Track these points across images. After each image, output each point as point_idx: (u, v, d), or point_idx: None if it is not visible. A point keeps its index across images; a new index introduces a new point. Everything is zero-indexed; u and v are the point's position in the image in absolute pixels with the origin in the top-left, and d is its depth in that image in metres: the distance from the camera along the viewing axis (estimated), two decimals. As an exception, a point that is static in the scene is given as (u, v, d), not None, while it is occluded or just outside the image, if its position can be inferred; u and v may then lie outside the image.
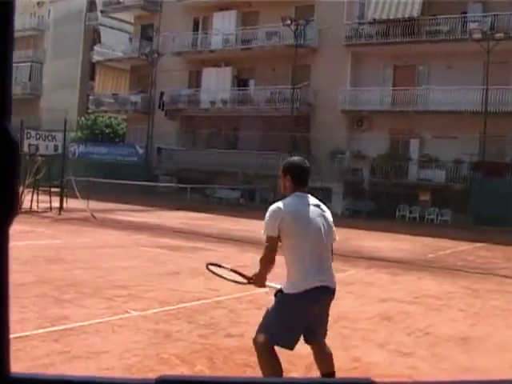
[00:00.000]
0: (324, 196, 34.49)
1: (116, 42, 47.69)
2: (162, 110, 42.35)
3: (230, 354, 6.67)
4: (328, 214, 4.88)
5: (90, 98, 49.19)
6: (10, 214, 0.97)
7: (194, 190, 35.65)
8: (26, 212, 22.14)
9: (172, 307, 8.79)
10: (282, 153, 35.15)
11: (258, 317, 8.51)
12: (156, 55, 42.74)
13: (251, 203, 35.88)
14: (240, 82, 39.95)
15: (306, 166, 4.89)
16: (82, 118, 49.97)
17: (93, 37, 53.06)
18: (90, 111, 49.28)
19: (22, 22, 59.68)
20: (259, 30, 38.07)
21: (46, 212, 22.63)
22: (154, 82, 43.34)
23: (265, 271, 4.86)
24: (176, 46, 41.42)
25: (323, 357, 5.10)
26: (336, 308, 9.38)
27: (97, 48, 49.17)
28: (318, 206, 4.84)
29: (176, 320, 8.07)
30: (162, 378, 1.04)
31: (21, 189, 22.79)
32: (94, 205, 24.39)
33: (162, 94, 42.33)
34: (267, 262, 4.75)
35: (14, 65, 58.68)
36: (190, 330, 7.62)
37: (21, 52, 60.20)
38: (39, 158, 23.59)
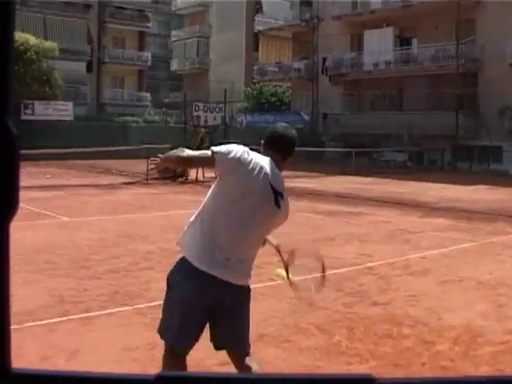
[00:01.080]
0: (494, 155, 32.81)
1: (277, 11, 47.74)
2: (326, 75, 41.87)
3: (371, 324, 6.28)
4: (281, 209, 3.81)
5: (255, 68, 49.79)
6: (11, 209, 0.97)
7: (360, 154, 34.99)
8: (192, 182, 22.78)
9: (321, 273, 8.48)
10: (448, 111, 33.63)
11: (409, 284, 8.09)
12: (316, 20, 42.27)
13: (419, 165, 34.77)
14: (402, 41, 38.58)
15: (289, 135, 3.88)
16: (248, 89, 50.69)
17: (255, 7, 53.44)
18: (254, 81, 49.89)
19: (186, -1, 61.39)
20: (420, -15, 36.39)
21: (210, 181, 23.05)
22: (315, 47, 42.97)
23: (174, 159, 3.79)
24: (336, 9, 40.65)
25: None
26: (496, 273, 8.76)
27: (258, 18, 49.58)
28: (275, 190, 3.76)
29: (323, 287, 7.75)
30: (162, 374, 1.00)
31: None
32: (257, 173, 24.57)
33: (324, 59, 41.82)
34: (184, 159, 3.75)
35: (183, 41, 60.99)
36: (336, 297, 7.29)
37: (188, 28, 62.13)
38: (202, 129, 24.10)
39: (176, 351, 3.77)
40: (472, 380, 1.26)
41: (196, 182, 22.77)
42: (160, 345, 5.49)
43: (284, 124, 4.01)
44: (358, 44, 41.01)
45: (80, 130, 37.79)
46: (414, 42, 37.59)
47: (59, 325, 6.05)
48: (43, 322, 6.08)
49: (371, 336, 5.90)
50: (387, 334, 5.96)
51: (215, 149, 3.65)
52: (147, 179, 22.81)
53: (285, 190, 3.86)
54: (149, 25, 55.83)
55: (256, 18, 49.91)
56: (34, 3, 47.24)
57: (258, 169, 3.67)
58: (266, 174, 3.69)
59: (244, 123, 45.85)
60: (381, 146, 37.36)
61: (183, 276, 3.69)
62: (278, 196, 3.76)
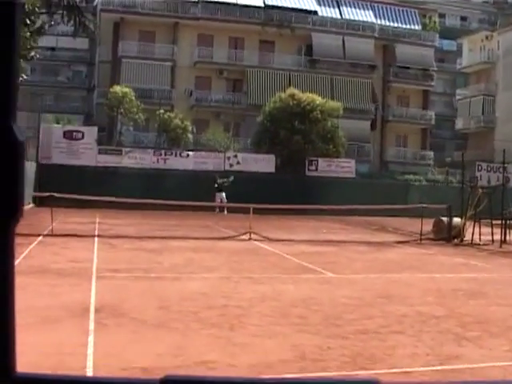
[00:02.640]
0: None
1: None
2: None
3: None
4: None
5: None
6: (15, 214, 0.96)
7: None
8: (467, 244, 21.89)
9: None
10: None
11: None
12: None
13: None
14: None
15: None
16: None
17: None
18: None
19: (472, 57, 60.26)
20: None
21: (486, 245, 21.97)
22: None
23: None
24: None
25: None
26: None
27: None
28: None
29: None
30: (166, 377, 1.00)
31: (462, 220, 22.67)
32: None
33: None
34: None
35: (468, 99, 59.74)
36: None
37: (473, 86, 60.72)
38: (480, 189, 23.13)
39: None
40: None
41: (471, 244, 21.81)
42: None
43: None
44: None
45: (362, 187, 38.49)
46: None
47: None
48: (278, 376, 6.15)
49: None
50: None
51: None
52: (421, 239, 22.37)
53: None
54: (433, 83, 55.49)
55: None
56: (322, 65, 49.64)
57: None
58: None
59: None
60: None
61: None
62: None
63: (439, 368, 6.73)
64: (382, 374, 6.39)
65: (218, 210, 33.38)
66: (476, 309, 10.20)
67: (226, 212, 32.59)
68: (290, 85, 45.57)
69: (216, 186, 34.53)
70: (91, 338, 7.25)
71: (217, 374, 6.07)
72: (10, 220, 0.96)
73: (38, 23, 26.18)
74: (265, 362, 6.56)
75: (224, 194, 34.22)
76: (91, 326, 7.89)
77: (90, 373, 5.97)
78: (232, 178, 34.61)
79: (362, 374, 6.41)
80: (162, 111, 41.60)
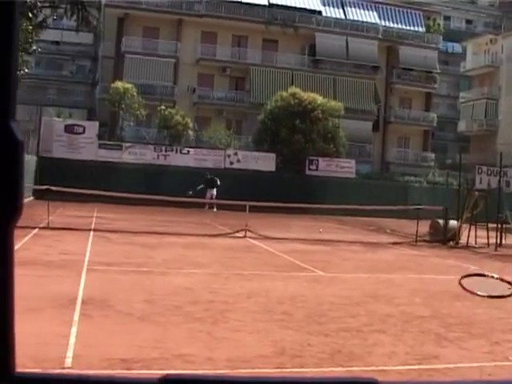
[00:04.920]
0: None
1: None
2: None
3: None
4: None
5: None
6: (14, 213, 0.97)
7: None
8: (462, 247, 21.94)
9: None
10: None
11: None
12: None
13: None
14: None
15: None
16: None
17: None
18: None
19: (476, 60, 60.30)
20: None
21: (481, 248, 22.03)
22: None
23: None
24: None
25: None
26: None
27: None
28: None
29: None
30: (166, 377, 1.02)
31: (458, 223, 22.72)
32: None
33: None
34: None
35: (471, 102, 59.81)
36: None
37: (476, 89, 60.77)
38: (476, 192, 23.19)
39: None
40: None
41: (467, 247, 21.86)
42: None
43: None
44: None
45: (362, 188, 38.52)
46: None
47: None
48: (255, 370, 6.21)
49: None
50: None
51: None
52: (416, 241, 22.43)
53: None
54: (435, 86, 55.45)
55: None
56: (325, 65, 49.69)
57: None
58: None
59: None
60: None
61: None
62: None
63: (416, 367, 6.80)
64: (358, 372, 6.47)
65: (207, 206, 33.30)
66: (461, 310, 10.25)
67: (215, 209, 32.48)
68: (292, 84, 45.61)
69: (205, 183, 34.26)
70: (74, 329, 7.32)
71: (196, 368, 6.15)
72: (9, 219, 0.97)
73: (41, 17, 26.27)
74: (243, 356, 6.63)
75: (215, 191, 34.15)
76: (76, 317, 7.97)
77: (68, 363, 6.05)
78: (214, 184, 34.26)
79: (339, 370, 6.48)
80: (163, 107, 41.67)
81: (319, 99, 39.87)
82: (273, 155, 39.20)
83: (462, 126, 62.06)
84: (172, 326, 7.89)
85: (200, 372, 5.96)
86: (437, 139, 59.72)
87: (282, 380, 1.19)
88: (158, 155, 38.48)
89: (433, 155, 54.78)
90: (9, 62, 0.95)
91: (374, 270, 14.98)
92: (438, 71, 55.95)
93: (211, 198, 33.37)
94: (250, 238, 20.43)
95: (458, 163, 29.05)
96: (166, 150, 38.90)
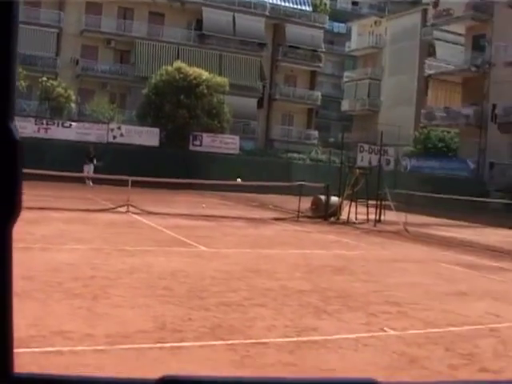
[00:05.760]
0: None
1: (449, 55, 46.78)
2: (495, 123, 40.18)
3: (471, 390, 5.76)
4: None
5: (422, 111, 48.89)
6: (12, 214, 0.98)
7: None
8: (343, 223, 22.56)
9: (437, 330, 7.98)
10: None
11: (533, 351, 7.39)
12: (488, 66, 40.90)
13: None
14: None
15: None
16: (416, 133, 49.83)
17: (428, 51, 52.64)
18: (422, 125, 48.94)
19: (361, 41, 61.85)
20: None
21: (362, 223, 22.75)
22: (486, 94, 41.50)
23: None
24: (508, 55, 39.00)
25: None
26: None
27: (428, 61, 48.82)
28: None
29: (433, 345, 7.27)
30: (164, 377, 1.02)
31: (340, 199, 23.35)
32: (413, 218, 23.79)
33: (494, 106, 40.21)
34: None
35: (354, 82, 61.40)
36: (443, 357, 6.78)
37: (360, 70, 62.43)
38: (357, 170, 23.88)
39: None
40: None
41: (347, 223, 22.51)
42: None
43: None
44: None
45: (245, 164, 38.75)
46: None
47: (149, 351, 6.09)
48: (135, 345, 6.16)
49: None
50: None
51: None
52: (298, 217, 22.87)
53: None
54: (320, 65, 56.50)
55: (427, 61, 49.10)
56: (212, 41, 49.51)
57: None
58: None
59: (408, 167, 45.09)
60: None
61: None
62: None
63: (295, 339, 6.94)
64: (238, 345, 6.53)
65: (89, 181, 32.65)
66: (340, 284, 10.57)
67: (91, 184, 31.88)
68: (178, 58, 45.16)
69: (89, 157, 33.64)
70: None
71: (74, 344, 6.02)
72: (8, 219, 0.97)
73: None
74: (123, 332, 6.54)
75: (92, 167, 33.53)
76: None
77: None
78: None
79: (219, 344, 6.52)
80: (44, 79, 40.26)
81: (205, 75, 39.68)
82: (156, 130, 38.78)
83: (345, 105, 63.61)
84: (53, 303, 7.68)
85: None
86: (321, 118, 60.98)
87: (282, 380, 1.21)
88: (39, 128, 37.16)
89: (316, 133, 55.90)
90: (8, 63, 0.95)
91: (256, 245, 15.18)
92: (324, 50, 57.01)
93: (88, 173, 32.75)
94: (133, 213, 20.20)
95: (340, 141, 29.89)
96: (47, 124, 37.64)
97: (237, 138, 41.82)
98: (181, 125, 38.30)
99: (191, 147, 39.16)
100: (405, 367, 6.30)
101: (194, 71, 39.40)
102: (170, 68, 40.29)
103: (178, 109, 38.04)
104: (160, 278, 9.74)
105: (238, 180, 23.70)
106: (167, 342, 6.36)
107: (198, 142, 39.38)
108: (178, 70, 39.68)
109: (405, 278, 12.02)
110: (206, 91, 38.97)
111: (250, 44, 51.39)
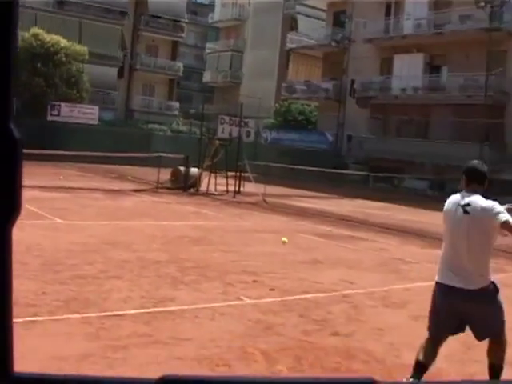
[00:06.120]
0: None
1: (311, 30, 47.72)
2: (353, 97, 41.55)
3: (323, 355, 5.97)
4: (477, 214, 4.82)
5: (283, 84, 49.69)
6: (13, 213, 0.96)
7: (381, 179, 34.73)
8: (202, 194, 22.63)
9: (292, 297, 8.22)
10: (474, 142, 33.09)
11: (380, 316, 7.76)
12: (347, 42, 42.19)
13: (439, 195, 34.13)
14: (432, 68, 38.07)
15: (479, 169, 5.09)
16: (277, 105, 50.67)
17: (290, 25, 53.46)
18: (283, 98, 49.78)
19: (224, 12, 61.77)
20: (452, 13, 36.02)
21: (221, 195, 22.93)
22: (345, 69, 42.81)
23: None
24: (367, 32, 40.35)
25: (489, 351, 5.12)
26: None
27: (290, 36, 49.59)
28: (466, 205, 4.87)
29: (288, 312, 7.48)
30: (164, 377, 1.01)
31: (199, 171, 23.39)
32: (272, 190, 24.27)
33: (353, 81, 41.55)
34: None
35: (217, 54, 61.29)
36: (297, 323, 7.00)
37: (222, 41, 62.41)
38: (217, 141, 24.00)
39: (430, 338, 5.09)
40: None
41: (207, 194, 22.61)
42: (91, 356, 5.31)
43: (476, 161, 5.30)
44: (387, 68, 40.61)
45: (105, 135, 37.81)
46: (444, 70, 37.14)
47: (-2, 328, 5.86)
48: (278, 376, 5.43)
49: (317, 368, 5.58)
50: (335, 367, 5.65)
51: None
52: (157, 188, 22.72)
53: (479, 200, 4.87)
54: (183, 35, 55.94)
55: (289, 35, 49.88)
56: (71, 7, 47.78)
57: (449, 208, 5.04)
58: (454, 202, 4.98)
59: (269, 139, 45.81)
60: (404, 173, 36.86)
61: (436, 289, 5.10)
62: (464, 206, 4.87)
63: (151, 310, 6.92)
64: (93, 318, 6.42)
65: None
66: (198, 255, 10.61)
67: None
68: (36, 25, 43.19)
69: None
70: None
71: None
72: (7, 218, 0.95)
73: None
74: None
75: None
76: None
77: None
78: None
79: (74, 317, 6.38)
80: None
81: (63, 42, 38.19)
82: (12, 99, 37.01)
83: (207, 77, 63.46)
84: None
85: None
86: (182, 89, 60.53)
87: (282, 380, 1.22)
88: None
89: (177, 104, 55.49)
90: (8, 63, 0.95)
91: (113, 217, 14.95)
92: (187, 21, 56.42)
93: None
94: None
95: (201, 113, 29.85)
96: None
97: (96, 108, 40.72)
98: (38, 94, 36.71)
99: (49, 117, 37.71)
100: (259, 334, 6.44)
101: (52, 38, 37.87)
102: (26, 34, 38.45)
103: (34, 77, 36.39)
104: (13, 252, 9.35)
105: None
106: (20, 317, 6.13)
107: (55, 112, 37.98)
108: (35, 36, 37.92)
109: (262, 247, 12.26)
110: (64, 59, 37.55)
111: (111, 12, 49.92)
